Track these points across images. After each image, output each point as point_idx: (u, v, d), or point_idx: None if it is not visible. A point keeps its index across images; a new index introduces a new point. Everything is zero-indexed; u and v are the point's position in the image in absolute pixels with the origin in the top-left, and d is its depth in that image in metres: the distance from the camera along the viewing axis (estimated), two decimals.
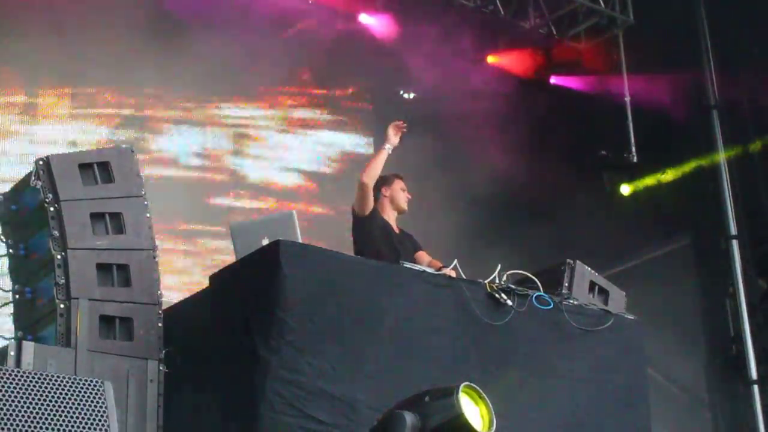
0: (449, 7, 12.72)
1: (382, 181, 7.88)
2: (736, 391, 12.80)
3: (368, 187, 7.61)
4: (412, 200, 8.02)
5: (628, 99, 13.35)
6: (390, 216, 7.89)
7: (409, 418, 4.14)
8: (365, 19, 12.74)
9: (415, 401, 4.20)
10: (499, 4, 12.91)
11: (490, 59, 13.66)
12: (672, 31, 13.42)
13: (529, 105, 12.96)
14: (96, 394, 3.61)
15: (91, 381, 3.67)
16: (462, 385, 4.13)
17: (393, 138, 7.71)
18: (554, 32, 13.33)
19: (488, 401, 4.16)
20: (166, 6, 11.22)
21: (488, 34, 13.35)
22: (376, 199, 7.84)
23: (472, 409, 4.12)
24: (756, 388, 12.55)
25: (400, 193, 7.91)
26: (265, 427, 5.83)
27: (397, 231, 7.87)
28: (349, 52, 12.61)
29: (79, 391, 3.61)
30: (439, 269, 7.11)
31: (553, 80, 13.91)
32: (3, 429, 3.44)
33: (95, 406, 3.60)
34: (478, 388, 4.17)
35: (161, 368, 6.10)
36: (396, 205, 7.91)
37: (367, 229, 7.66)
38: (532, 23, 13.14)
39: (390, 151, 7.68)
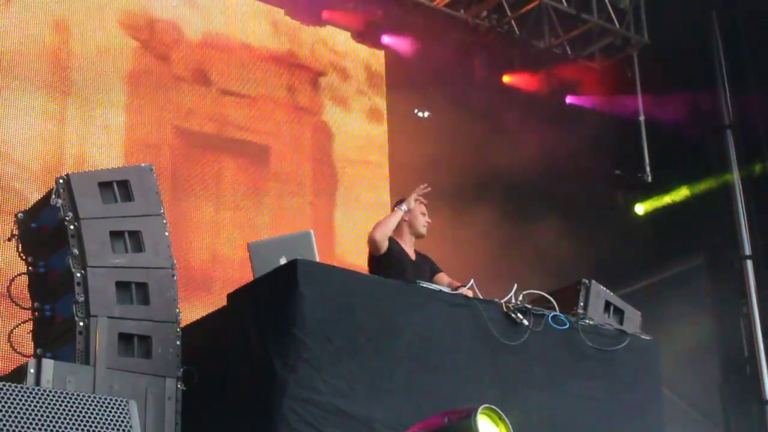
0: (465, 26, 12.77)
1: (402, 206, 7.81)
2: (750, 411, 12.80)
3: (380, 242, 7.51)
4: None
5: (642, 118, 13.42)
6: (407, 241, 7.79)
7: None
8: (387, 39, 12.84)
9: (434, 422, 4.20)
10: (514, 24, 12.98)
11: (506, 78, 13.68)
12: (687, 50, 13.45)
13: (543, 124, 12.96)
14: (120, 413, 3.62)
15: (115, 400, 3.67)
16: (481, 408, 4.12)
17: (411, 201, 7.69)
18: (569, 52, 13.38)
19: (508, 423, 4.16)
20: None
21: (503, 53, 13.39)
22: None
23: (493, 431, 4.12)
24: None
25: (419, 217, 7.79)
26: None
27: (413, 258, 7.77)
28: (366, 70, 12.67)
29: (103, 410, 3.61)
30: (456, 288, 7.10)
31: (568, 99, 13.93)
32: None
33: (119, 426, 3.60)
34: (498, 409, 4.17)
35: (179, 386, 6.11)
36: (414, 230, 7.79)
37: (379, 265, 7.57)
38: (546, 43, 13.19)
39: (404, 212, 7.69)
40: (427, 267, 7.75)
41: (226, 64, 11.62)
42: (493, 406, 4.17)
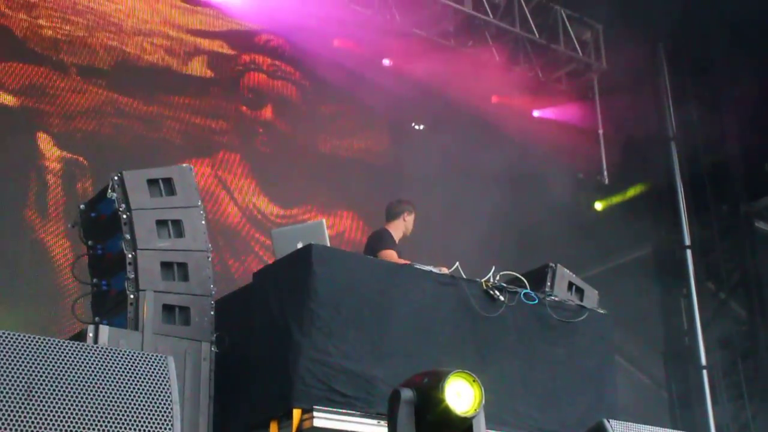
0: (453, 54, 12.74)
1: (408, 208, 8.06)
2: (689, 375, 12.79)
3: None
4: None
5: (601, 131, 13.42)
6: (399, 235, 7.96)
7: (405, 393, 4.08)
8: (388, 63, 12.82)
9: (415, 380, 4.15)
10: (494, 51, 12.93)
11: (494, 99, 13.64)
12: (638, 75, 13.45)
13: (520, 135, 12.92)
14: (161, 366, 3.64)
15: (157, 355, 3.71)
16: (453, 372, 4.08)
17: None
18: (540, 75, 13.34)
19: (481, 384, 4.11)
20: None
21: (485, 76, 13.32)
22: (398, 215, 7.97)
23: (468, 390, 4.06)
24: (705, 372, 12.59)
25: (412, 223, 8.04)
26: (298, 397, 5.83)
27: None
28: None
29: (147, 364, 3.64)
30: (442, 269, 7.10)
31: (539, 114, 13.90)
32: (85, 394, 3.47)
33: (160, 376, 3.63)
34: (472, 374, 4.12)
35: (213, 349, 6.09)
36: (407, 230, 8.04)
37: None
38: (522, 68, 13.16)
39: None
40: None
41: None
42: (467, 371, 4.11)
